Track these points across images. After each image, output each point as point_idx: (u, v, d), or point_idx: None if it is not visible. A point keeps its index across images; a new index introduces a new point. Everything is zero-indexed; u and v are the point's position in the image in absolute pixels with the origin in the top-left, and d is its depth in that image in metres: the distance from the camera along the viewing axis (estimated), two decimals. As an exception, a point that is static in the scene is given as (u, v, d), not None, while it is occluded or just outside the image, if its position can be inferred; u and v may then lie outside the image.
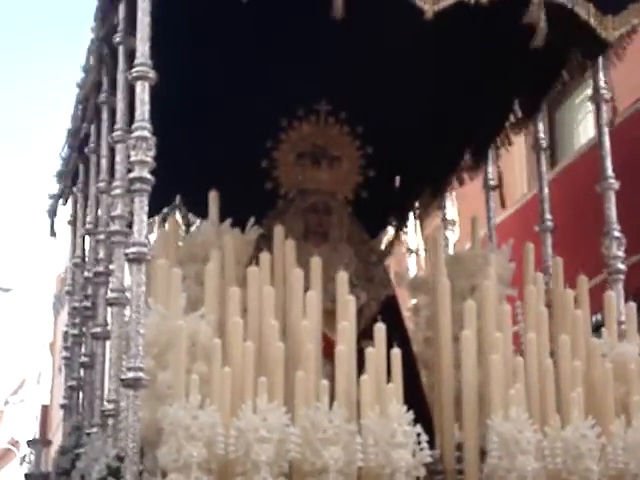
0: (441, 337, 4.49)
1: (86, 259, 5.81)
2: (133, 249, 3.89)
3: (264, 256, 4.56)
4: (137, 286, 3.84)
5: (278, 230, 4.85)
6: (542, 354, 4.27)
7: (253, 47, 5.36)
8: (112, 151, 4.83)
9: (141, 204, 3.95)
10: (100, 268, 4.97)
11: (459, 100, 5.63)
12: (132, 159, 3.97)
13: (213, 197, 5.05)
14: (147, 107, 4.02)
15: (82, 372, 5.51)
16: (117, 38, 4.67)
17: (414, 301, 5.86)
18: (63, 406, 5.76)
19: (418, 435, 3.84)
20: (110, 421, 4.16)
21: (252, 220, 5.08)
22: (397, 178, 6.18)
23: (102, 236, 4.92)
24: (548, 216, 5.48)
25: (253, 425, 3.70)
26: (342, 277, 4.47)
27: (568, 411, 4.07)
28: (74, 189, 6.15)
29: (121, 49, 4.68)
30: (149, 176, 3.96)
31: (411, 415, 3.86)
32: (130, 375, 3.71)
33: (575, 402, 4.03)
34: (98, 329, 4.84)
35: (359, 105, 5.51)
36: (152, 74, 4.06)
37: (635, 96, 6.73)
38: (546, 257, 5.34)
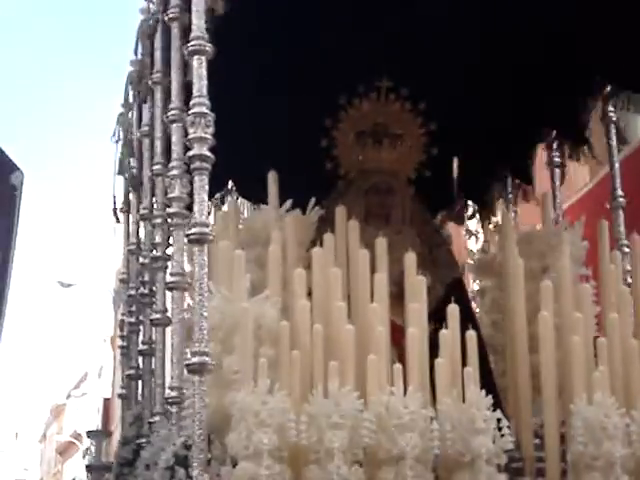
0: (515, 320, 4.29)
1: (141, 246, 5.66)
2: (195, 230, 3.72)
3: (328, 237, 4.38)
4: (200, 268, 3.66)
5: (340, 210, 4.67)
6: (625, 335, 4.05)
7: (312, 19, 5.17)
8: (166, 133, 4.68)
9: (201, 183, 3.77)
10: (158, 253, 4.82)
11: (529, 79, 5.40)
12: (191, 136, 3.80)
13: (273, 178, 4.86)
14: (205, 82, 3.84)
15: (141, 361, 5.36)
16: (171, 14, 4.49)
17: (477, 284, 5.68)
18: (121, 396, 5.61)
19: (498, 420, 3.64)
20: (174, 409, 3.99)
21: (313, 201, 4.88)
22: (456, 159, 5.96)
23: (159, 220, 4.76)
24: (620, 192, 5.23)
25: (325, 411, 3.53)
26: (410, 258, 4.29)
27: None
28: (126, 175, 6.00)
29: (175, 25, 4.51)
30: (209, 153, 3.78)
31: (490, 399, 3.67)
32: (195, 360, 3.54)
33: (663, 384, 3.81)
34: (158, 315, 4.67)
35: (421, 81, 5.31)
36: (209, 47, 3.88)
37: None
38: (619, 235, 5.09)
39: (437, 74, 5.40)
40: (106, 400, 22.27)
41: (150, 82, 4.91)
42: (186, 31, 4.12)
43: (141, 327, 5.33)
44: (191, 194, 4.02)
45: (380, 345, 3.82)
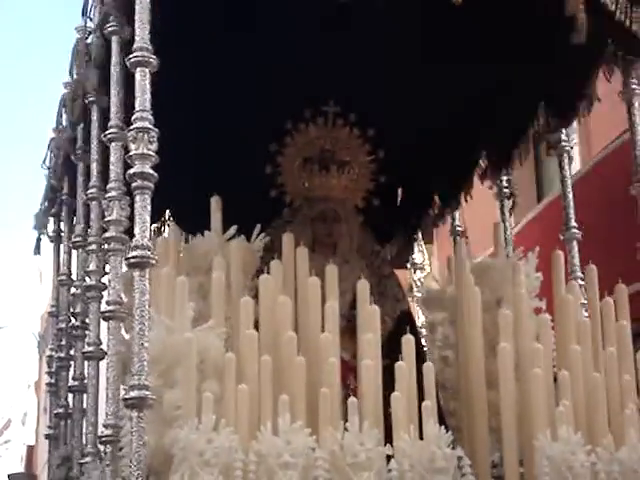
0: (471, 353, 4.08)
1: (72, 276, 5.36)
2: (135, 253, 3.45)
3: (275, 264, 4.15)
4: (141, 294, 3.39)
5: (287, 237, 4.44)
6: (587, 368, 3.87)
7: (256, 43, 4.96)
8: (103, 154, 4.41)
9: (143, 203, 3.51)
10: (92, 281, 4.52)
11: (476, 104, 5.26)
12: (132, 152, 3.55)
13: (216, 203, 4.61)
14: (148, 96, 3.60)
15: (71, 398, 5.03)
16: (110, 27, 4.24)
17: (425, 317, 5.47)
18: (49, 437, 5.27)
19: (459, 459, 3.42)
20: (109, 449, 3.69)
21: (258, 228, 4.64)
22: (404, 186, 5.78)
23: (94, 246, 4.47)
24: (573, 223, 5.08)
25: (275, 449, 3.28)
26: (363, 286, 4.07)
27: (621, 430, 3.66)
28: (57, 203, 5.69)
29: (115, 39, 4.26)
30: (152, 171, 3.53)
31: (450, 436, 3.45)
32: (133, 394, 3.26)
33: (630, 420, 3.62)
34: (91, 348, 4.37)
35: (370, 106, 5.13)
36: (153, 60, 3.65)
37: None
38: (574, 267, 4.94)
39: (385, 99, 5.21)
40: (29, 447, 21.55)
41: (86, 101, 4.64)
42: (126, 46, 3.93)
43: (71, 362, 5.02)
44: (130, 218, 3.80)
45: (332, 378, 3.58)
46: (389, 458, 3.46)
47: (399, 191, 5.77)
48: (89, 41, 4.69)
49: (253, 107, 5.14)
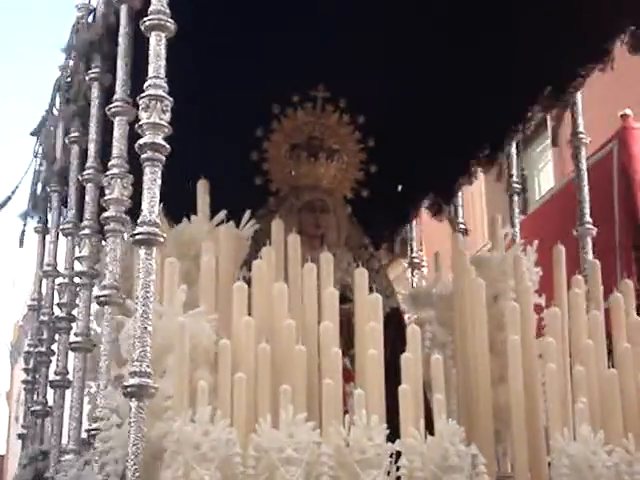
0: (476, 349, 3.82)
1: (58, 267, 5.10)
2: (142, 229, 3.20)
3: (267, 250, 3.87)
4: (146, 274, 3.13)
5: (277, 224, 4.17)
6: (601, 363, 3.65)
7: (242, 19, 4.70)
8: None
9: (153, 176, 3.26)
10: (83, 268, 4.25)
11: (471, 95, 5.03)
12: (143, 121, 3.30)
13: (203, 187, 4.32)
14: (163, 62, 3.37)
15: (51, 394, 4.75)
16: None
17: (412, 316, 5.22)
18: (22, 436, 5.09)
19: (474, 457, 3.17)
20: (98, 443, 3.37)
21: (248, 214, 4.36)
22: (399, 177, 5.55)
23: (87, 231, 4.19)
24: (588, 219, 4.86)
25: (277, 443, 2.99)
26: (361, 274, 3.80)
27: (638, 430, 3.44)
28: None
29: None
30: (164, 142, 3.30)
31: (463, 431, 3.19)
32: (134, 382, 2.99)
33: (650, 418, 3.40)
34: (79, 339, 4.09)
35: (361, 92, 4.88)
36: (171, 24, 3.41)
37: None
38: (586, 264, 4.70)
39: (376, 86, 4.97)
40: (0, 457, 20.96)
41: (87, 78, 4.33)
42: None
43: (52, 358, 4.75)
44: (132, 197, 3.65)
45: (335, 369, 3.31)
46: (394, 455, 3.20)
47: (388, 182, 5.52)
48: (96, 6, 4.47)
49: (240, 89, 4.88)
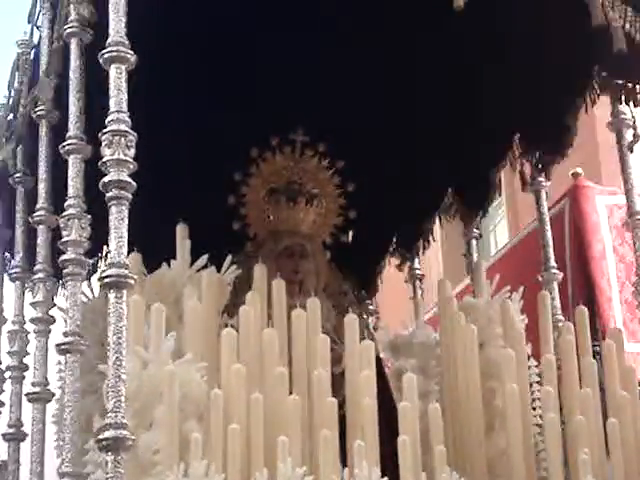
0: (469, 397, 3.71)
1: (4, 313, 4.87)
2: (110, 271, 3.03)
3: (253, 296, 3.75)
4: (117, 319, 2.95)
5: (260, 269, 4.05)
6: (598, 413, 3.55)
7: (222, 58, 4.61)
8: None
9: (120, 215, 3.08)
10: (38, 314, 4.05)
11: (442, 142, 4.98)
12: (107, 158, 3.14)
13: (182, 231, 4.19)
14: (125, 96, 3.21)
15: (4, 448, 4.49)
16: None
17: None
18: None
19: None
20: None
21: (229, 259, 4.22)
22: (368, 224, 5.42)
23: (41, 275, 3.99)
24: (553, 263, 4.81)
25: (276, 498, 2.84)
26: (351, 321, 3.70)
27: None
28: None
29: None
30: (129, 179, 3.13)
31: (467, 485, 3.07)
32: (109, 434, 2.78)
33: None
34: (37, 389, 3.88)
35: (340, 137, 4.80)
36: (130, 55, 3.26)
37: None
38: (554, 310, 4.63)
39: (355, 130, 4.90)
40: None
41: (34, 116, 4.16)
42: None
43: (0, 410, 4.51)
44: (90, 238, 3.49)
45: (332, 419, 3.17)
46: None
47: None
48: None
49: (217, 132, 4.77)
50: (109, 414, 2.85)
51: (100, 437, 2.84)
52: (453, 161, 4.95)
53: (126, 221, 3.11)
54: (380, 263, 5.66)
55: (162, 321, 3.33)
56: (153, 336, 3.27)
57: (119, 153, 3.14)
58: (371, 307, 5.81)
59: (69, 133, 3.62)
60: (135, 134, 3.19)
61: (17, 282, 4.33)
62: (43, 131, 3.97)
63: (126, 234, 3.10)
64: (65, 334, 3.48)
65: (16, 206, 4.31)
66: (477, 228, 5.35)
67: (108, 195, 3.13)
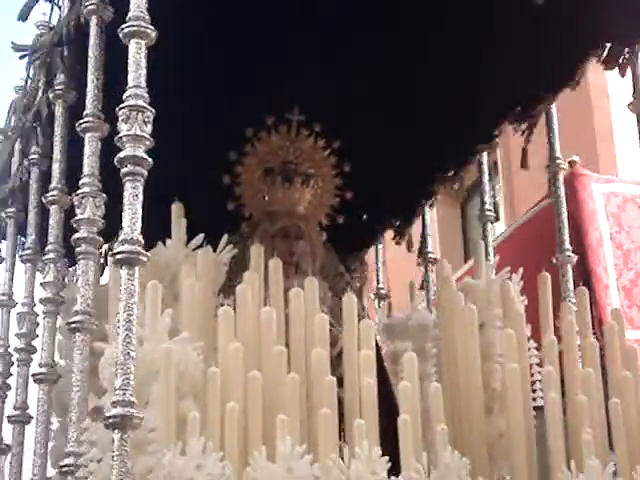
0: (469, 379, 3.65)
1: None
2: (123, 247, 3.00)
3: (250, 275, 3.68)
4: (128, 296, 2.91)
5: (255, 249, 3.99)
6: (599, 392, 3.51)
7: (218, 36, 4.53)
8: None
9: (134, 191, 3.08)
10: (48, 294, 4.00)
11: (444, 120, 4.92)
12: (123, 134, 3.12)
13: (177, 209, 4.13)
14: (143, 72, 3.21)
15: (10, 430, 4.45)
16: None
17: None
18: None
19: (479, 490, 2.99)
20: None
21: (225, 238, 4.16)
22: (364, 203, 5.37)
23: (52, 255, 3.94)
24: (567, 246, 4.75)
25: (275, 477, 2.78)
26: (350, 300, 3.64)
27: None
28: None
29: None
30: (145, 156, 3.13)
31: (467, 463, 3.01)
32: (116, 412, 2.75)
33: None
34: (43, 370, 3.83)
35: (336, 116, 4.73)
36: (150, 30, 3.26)
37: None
38: (567, 292, 4.58)
39: (353, 108, 4.83)
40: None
41: (50, 95, 4.11)
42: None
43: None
44: (105, 217, 3.48)
45: (331, 398, 3.12)
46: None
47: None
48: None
49: (212, 110, 4.70)
50: (117, 391, 2.81)
51: (107, 414, 2.79)
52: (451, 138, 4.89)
53: (141, 198, 3.11)
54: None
55: (158, 298, 3.26)
56: (149, 314, 3.21)
57: (136, 129, 3.13)
58: (382, 291, 5.79)
59: (86, 111, 3.62)
60: (153, 110, 3.17)
61: (28, 264, 4.29)
62: (59, 111, 3.95)
63: (140, 211, 3.08)
64: (75, 312, 3.45)
65: (30, 188, 4.29)
66: (481, 210, 5.32)
67: (123, 171, 3.12)
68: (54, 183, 3.95)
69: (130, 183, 3.08)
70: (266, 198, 4.72)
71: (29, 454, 4.00)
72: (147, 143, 3.13)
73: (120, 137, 3.14)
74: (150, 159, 3.16)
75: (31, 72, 4.45)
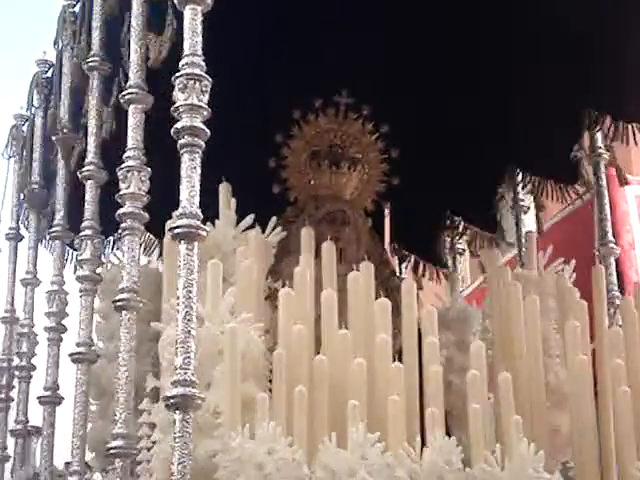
0: (532, 372, 3.52)
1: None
2: (181, 222, 2.86)
3: (306, 258, 3.57)
4: (188, 272, 2.77)
5: (306, 232, 3.88)
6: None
7: (268, 18, 4.41)
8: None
9: (192, 163, 2.93)
10: (85, 272, 3.82)
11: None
12: (180, 103, 2.97)
13: (225, 190, 4.01)
14: (200, 39, 3.05)
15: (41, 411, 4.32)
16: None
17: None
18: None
19: (557, 484, 2.87)
20: (118, 463, 2.99)
21: (274, 220, 4.04)
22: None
23: (88, 232, 3.79)
24: (611, 238, 4.67)
25: (347, 464, 2.66)
26: (409, 285, 3.52)
27: None
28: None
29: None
30: (203, 126, 2.97)
31: (544, 457, 2.90)
32: (177, 392, 2.61)
33: None
34: (82, 349, 3.68)
35: (385, 100, 4.61)
36: None
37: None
38: (611, 285, 4.46)
39: (401, 93, 4.71)
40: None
41: (85, 66, 3.98)
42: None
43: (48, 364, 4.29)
44: (150, 191, 3.32)
45: (399, 384, 3.00)
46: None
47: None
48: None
49: (259, 91, 4.58)
50: (178, 371, 2.67)
51: (168, 394, 2.66)
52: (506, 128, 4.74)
53: (199, 170, 2.96)
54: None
55: (219, 277, 3.15)
56: (210, 293, 3.09)
57: (193, 98, 2.97)
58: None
59: (130, 82, 3.46)
60: (210, 79, 3.03)
61: (57, 241, 4.15)
62: (94, 83, 3.80)
63: (198, 184, 2.94)
64: (122, 290, 3.30)
65: (57, 164, 4.15)
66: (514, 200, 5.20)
67: (180, 142, 2.97)
68: (90, 157, 3.81)
69: (188, 155, 2.93)
70: (312, 182, 4.60)
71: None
72: (204, 113, 2.98)
73: (176, 107, 2.99)
74: (208, 130, 3.00)
75: (59, 45, 4.31)
